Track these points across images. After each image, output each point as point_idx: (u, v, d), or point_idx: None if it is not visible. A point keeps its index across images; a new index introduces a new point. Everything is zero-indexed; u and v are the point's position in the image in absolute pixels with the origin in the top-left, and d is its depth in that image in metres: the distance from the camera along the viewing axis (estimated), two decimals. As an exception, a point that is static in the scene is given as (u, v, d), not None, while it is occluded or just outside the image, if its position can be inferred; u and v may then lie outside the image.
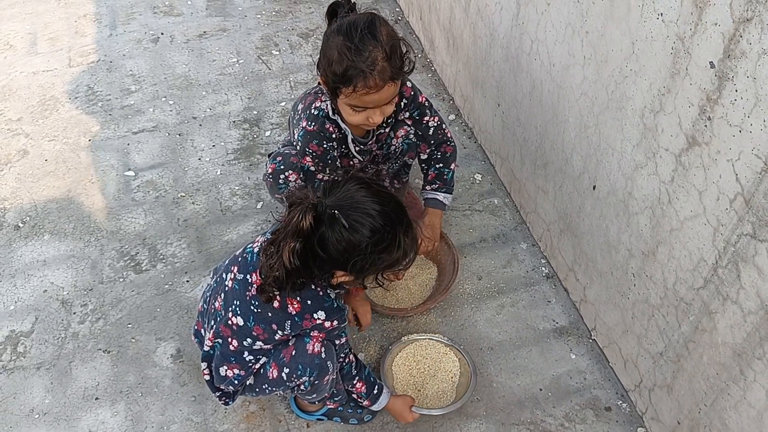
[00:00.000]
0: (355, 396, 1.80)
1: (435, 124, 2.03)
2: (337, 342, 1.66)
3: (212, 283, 1.74)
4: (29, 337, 2.10)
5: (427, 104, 2.00)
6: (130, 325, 2.12)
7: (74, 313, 2.16)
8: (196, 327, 1.80)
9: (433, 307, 2.13)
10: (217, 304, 1.66)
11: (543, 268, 2.25)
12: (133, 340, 2.09)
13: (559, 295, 2.18)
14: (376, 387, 1.79)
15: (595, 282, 1.95)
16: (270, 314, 1.55)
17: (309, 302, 1.53)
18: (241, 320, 1.58)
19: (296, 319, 1.54)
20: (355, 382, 1.76)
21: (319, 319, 1.54)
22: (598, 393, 1.95)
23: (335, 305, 1.56)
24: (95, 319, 2.14)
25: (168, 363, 2.03)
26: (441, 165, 2.09)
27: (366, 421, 1.88)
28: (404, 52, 1.71)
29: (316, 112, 1.87)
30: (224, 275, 1.66)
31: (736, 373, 1.42)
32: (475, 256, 2.29)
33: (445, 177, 2.10)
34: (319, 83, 1.81)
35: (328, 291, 1.54)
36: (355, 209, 1.39)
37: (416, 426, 1.88)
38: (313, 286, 1.52)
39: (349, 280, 1.49)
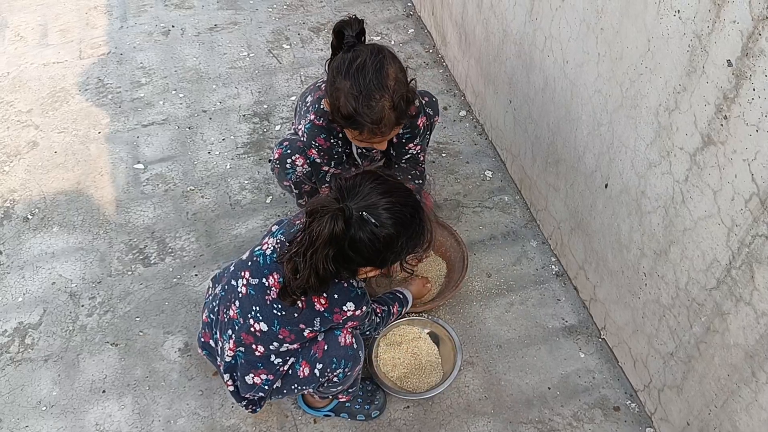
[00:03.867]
0: (394, 315, 1.91)
1: (414, 152, 2.05)
2: (366, 320, 1.70)
3: (218, 291, 1.71)
4: (37, 329, 2.10)
5: (421, 129, 1.99)
6: (138, 319, 2.12)
7: (82, 306, 2.16)
8: (203, 339, 1.78)
9: (442, 304, 2.12)
10: (231, 312, 1.63)
11: (553, 266, 2.23)
12: (141, 334, 2.09)
13: (568, 294, 2.16)
14: (403, 296, 1.93)
15: (605, 281, 1.93)
16: (296, 315, 1.54)
17: (336, 296, 1.54)
18: (265, 326, 1.57)
19: (326, 314, 1.55)
20: (393, 311, 1.88)
21: (349, 310, 1.56)
22: (606, 392, 1.94)
23: (360, 292, 1.58)
24: (103, 312, 2.14)
25: (175, 357, 2.03)
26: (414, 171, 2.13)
27: (373, 417, 1.88)
28: (411, 97, 1.73)
29: (325, 109, 1.86)
30: (233, 282, 1.63)
31: (747, 375, 1.40)
32: (485, 254, 2.28)
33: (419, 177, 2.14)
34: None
35: (352, 281, 1.56)
36: (379, 206, 1.41)
37: (424, 423, 1.88)
38: (336, 281, 1.52)
39: (376, 273, 1.52)
